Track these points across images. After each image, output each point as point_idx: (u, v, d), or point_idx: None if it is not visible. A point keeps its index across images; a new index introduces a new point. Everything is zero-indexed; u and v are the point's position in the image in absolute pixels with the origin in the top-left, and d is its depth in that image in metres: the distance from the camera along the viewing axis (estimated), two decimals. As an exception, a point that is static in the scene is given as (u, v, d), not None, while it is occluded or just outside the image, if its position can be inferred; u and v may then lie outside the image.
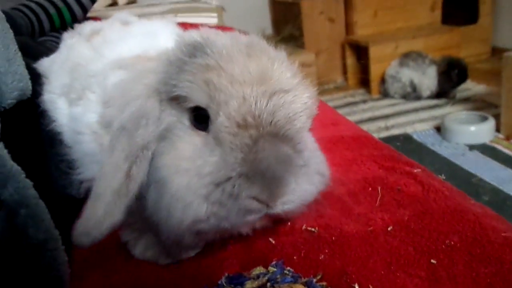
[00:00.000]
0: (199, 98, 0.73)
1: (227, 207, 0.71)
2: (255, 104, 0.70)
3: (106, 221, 0.72)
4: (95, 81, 0.98)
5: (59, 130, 1.04)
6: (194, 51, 0.76)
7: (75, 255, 0.84)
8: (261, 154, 0.69)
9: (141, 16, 1.45)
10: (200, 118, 0.75)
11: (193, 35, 0.80)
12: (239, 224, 0.76)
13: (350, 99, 4.65)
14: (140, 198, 0.77)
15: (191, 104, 0.75)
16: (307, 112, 0.76)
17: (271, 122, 0.71)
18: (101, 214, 0.72)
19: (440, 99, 4.23)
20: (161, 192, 0.74)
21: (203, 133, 0.75)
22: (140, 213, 0.80)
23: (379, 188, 1.06)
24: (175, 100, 0.77)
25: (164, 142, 0.77)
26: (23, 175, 0.64)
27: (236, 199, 0.70)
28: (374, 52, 4.46)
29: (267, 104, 0.71)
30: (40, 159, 1.05)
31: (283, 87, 0.73)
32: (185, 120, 0.77)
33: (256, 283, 0.78)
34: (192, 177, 0.71)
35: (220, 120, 0.71)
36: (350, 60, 4.96)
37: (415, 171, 1.12)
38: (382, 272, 0.81)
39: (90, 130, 0.92)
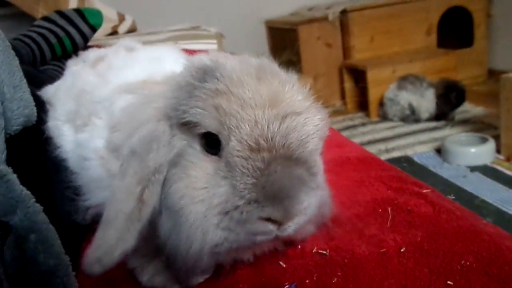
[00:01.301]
0: (209, 124, 0.73)
1: (236, 232, 0.72)
2: (268, 126, 0.70)
3: (118, 247, 0.71)
4: (102, 107, 0.98)
5: (64, 157, 1.03)
6: (203, 75, 0.76)
7: (79, 283, 0.82)
8: (274, 176, 0.69)
9: (142, 43, 1.46)
10: (212, 143, 0.75)
11: (202, 58, 0.80)
12: (251, 246, 0.77)
13: (349, 123, 4.66)
14: (150, 223, 0.76)
15: (202, 130, 0.75)
16: (319, 134, 0.76)
17: (284, 144, 0.71)
18: (113, 240, 0.71)
19: (439, 122, 4.25)
20: (178, 221, 0.74)
21: (214, 157, 0.75)
22: (149, 238, 0.78)
23: (389, 209, 1.04)
24: (186, 125, 0.77)
25: (176, 168, 0.77)
26: (33, 200, 0.63)
27: (244, 224, 0.71)
28: (372, 75, 4.50)
29: (279, 127, 0.71)
30: (45, 186, 1.04)
31: (295, 110, 0.73)
32: (197, 145, 0.77)
33: (269, 308, 0.76)
34: (207, 208, 0.72)
35: (232, 145, 0.71)
36: (348, 84, 4.99)
37: (424, 191, 1.11)
38: (398, 295, 0.79)
39: (96, 155, 0.92)
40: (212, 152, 0.76)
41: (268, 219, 0.71)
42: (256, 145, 0.70)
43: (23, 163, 0.75)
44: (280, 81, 0.76)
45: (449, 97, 4.16)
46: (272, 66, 0.79)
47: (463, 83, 4.32)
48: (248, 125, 0.70)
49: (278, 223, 0.72)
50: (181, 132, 0.78)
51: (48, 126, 1.08)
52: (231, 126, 0.71)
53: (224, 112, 0.71)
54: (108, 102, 0.96)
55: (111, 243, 0.71)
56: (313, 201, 0.75)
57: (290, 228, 0.74)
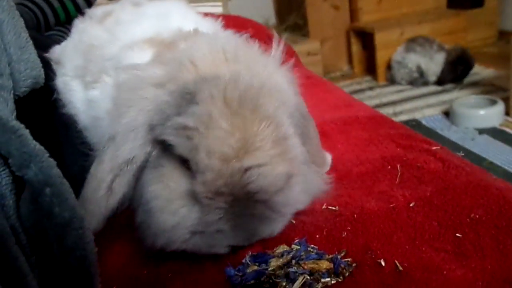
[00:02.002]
0: (182, 152, 0.77)
1: (204, 250, 0.81)
2: (230, 178, 0.74)
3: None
4: (111, 65, 0.97)
5: (74, 112, 1.03)
6: (177, 108, 0.78)
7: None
8: (236, 214, 0.76)
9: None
10: (187, 163, 0.78)
11: (192, 68, 0.83)
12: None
13: (357, 87, 4.62)
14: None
15: (176, 152, 0.78)
16: (283, 178, 0.79)
17: (244, 191, 0.75)
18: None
19: (447, 85, 4.19)
20: (148, 221, 0.81)
21: (189, 175, 0.79)
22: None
23: (398, 166, 1.04)
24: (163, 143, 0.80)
25: (155, 171, 0.82)
26: (47, 154, 0.63)
27: (212, 247, 0.80)
28: (379, 38, 4.42)
29: (241, 179, 0.74)
30: (56, 144, 1.04)
31: (259, 162, 0.75)
32: (175, 157, 0.80)
33: (280, 261, 0.77)
34: (176, 223, 0.78)
35: (198, 187, 0.75)
36: (356, 48, 4.92)
37: (434, 148, 1.11)
38: (407, 247, 0.80)
39: (108, 115, 0.91)
40: (188, 168, 0.79)
41: (230, 245, 0.81)
42: (218, 191, 0.75)
43: (32, 123, 0.75)
44: (257, 118, 0.77)
45: (456, 69, 4.08)
46: (256, 96, 0.79)
47: (473, 45, 4.25)
48: (212, 176, 0.74)
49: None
50: (160, 143, 0.82)
51: (57, 82, 1.07)
52: (198, 167, 0.75)
53: (195, 147, 0.74)
54: (116, 60, 0.95)
55: None
56: (275, 227, 0.84)
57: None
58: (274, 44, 0.94)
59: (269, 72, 0.88)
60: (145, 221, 0.82)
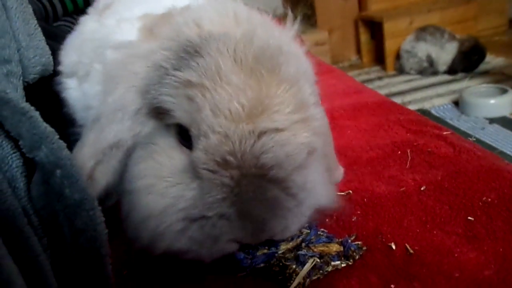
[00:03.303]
0: (180, 116, 0.64)
1: (207, 247, 0.66)
2: (239, 144, 0.60)
3: None
4: (100, 51, 0.94)
5: (72, 110, 1.01)
6: (180, 60, 0.65)
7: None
8: (245, 197, 0.62)
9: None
10: (185, 135, 0.66)
11: (196, 28, 0.69)
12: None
13: (365, 77, 4.59)
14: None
15: (173, 120, 0.66)
16: (304, 151, 0.66)
17: (256, 165, 0.61)
18: None
19: (457, 74, 4.15)
20: (131, 208, 0.67)
21: (187, 151, 0.67)
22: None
23: (408, 151, 1.04)
24: (157, 110, 0.68)
25: (143, 150, 0.69)
26: (57, 136, 0.63)
27: (216, 241, 0.65)
28: (388, 27, 4.38)
29: (253, 146, 0.61)
30: (62, 136, 1.04)
31: (277, 126, 0.62)
32: (170, 132, 0.69)
33: (290, 244, 0.77)
34: (166, 207, 0.64)
35: (198, 154, 0.62)
36: (364, 37, 4.88)
37: (445, 133, 1.10)
38: (418, 231, 0.79)
39: (98, 103, 0.88)
40: (185, 144, 0.67)
41: (235, 240, 0.67)
42: (224, 161, 0.61)
43: (41, 110, 0.75)
44: (275, 80, 0.63)
45: (470, 58, 4.03)
46: (275, 54, 0.65)
47: (483, 33, 4.19)
48: (217, 138, 0.60)
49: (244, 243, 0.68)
50: (153, 116, 0.69)
51: (55, 81, 1.05)
52: (201, 130, 0.62)
53: (197, 108, 0.62)
54: (105, 41, 0.88)
55: None
56: (291, 222, 0.68)
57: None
58: (288, 23, 0.81)
59: (286, 39, 0.74)
60: (128, 211, 0.68)
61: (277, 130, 0.62)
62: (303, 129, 0.64)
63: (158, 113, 0.68)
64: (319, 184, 0.73)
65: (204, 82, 0.61)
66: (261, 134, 0.61)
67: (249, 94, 0.61)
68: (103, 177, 0.69)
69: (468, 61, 4.07)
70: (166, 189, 0.65)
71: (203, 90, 0.61)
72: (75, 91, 0.98)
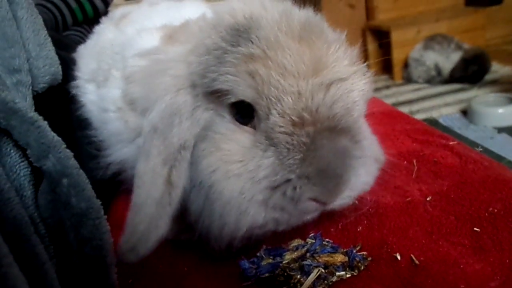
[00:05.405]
0: (243, 92, 0.68)
1: (288, 211, 0.69)
2: (312, 98, 0.65)
3: (151, 235, 0.68)
4: (120, 57, 0.97)
5: (88, 115, 1.03)
6: (236, 37, 0.69)
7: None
8: (320, 152, 0.65)
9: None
10: (244, 113, 0.70)
11: (234, 12, 0.73)
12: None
13: (373, 85, 4.57)
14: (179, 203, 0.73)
15: (234, 99, 0.69)
16: (364, 98, 0.72)
17: (329, 116, 0.66)
18: (145, 227, 0.67)
19: (465, 83, 4.13)
20: (210, 199, 0.69)
21: (250, 129, 0.70)
22: (179, 218, 0.75)
23: (414, 161, 1.03)
24: (214, 94, 0.71)
25: (204, 142, 0.72)
26: (64, 146, 0.65)
27: (297, 202, 0.68)
28: (396, 36, 4.39)
29: (324, 97, 0.66)
30: (70, 143, 1.06)
31: (340, 76, 0.68)
32: (226, 115, 0.72)
33: (295, 254, 0.77)
34: (246, 182, 0.67)
35: (274, 120, 0.66)
36: (371, 46, 4.88)
37: (451, 143, 1.09)
38: (423, 241, 0.79)
39: (115, 106, 0.89)
40: (244, 122, 0.71)
41: (315, 199, 0.69)
42: (300, 119, 0.65)
43: (49, 121, 0.76)
44: (325, 42, 0.69)
45: (467, 68, 4.00)
46: (318, 23, 0.72)
47: (491, 42, 4.16)
48: (291, 97, 0.65)
49: (323, 202, 0.71)
50: (208, 102, 0.72)
51: (73, 85, 1.08)
52: (271, 97, 0.65)
53: (261, 80, 0.65)
54: (124, 48, 0.93)
55: (143, 230, 0.67)
56: (359, 173, 0.72)
57: (335, 204, 0.74)
58: None
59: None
60: (204, 205, 0.71)
61: (341, 79, 0.68)
62: (361, 76, 0.72)
63: (216, 96, 0.71)
64: (371, 136, 0.80)
65: (266, 52, 0.66)
66: (329, 85, 0.66)
67: (308, 54, 0.66)
68: (180, 180, 0.71)
69: (465, 70, 4.04)
70: (243, 167, 0.68)
71: (265, 60, 0.65)
72: (92, 95, 1.01)
